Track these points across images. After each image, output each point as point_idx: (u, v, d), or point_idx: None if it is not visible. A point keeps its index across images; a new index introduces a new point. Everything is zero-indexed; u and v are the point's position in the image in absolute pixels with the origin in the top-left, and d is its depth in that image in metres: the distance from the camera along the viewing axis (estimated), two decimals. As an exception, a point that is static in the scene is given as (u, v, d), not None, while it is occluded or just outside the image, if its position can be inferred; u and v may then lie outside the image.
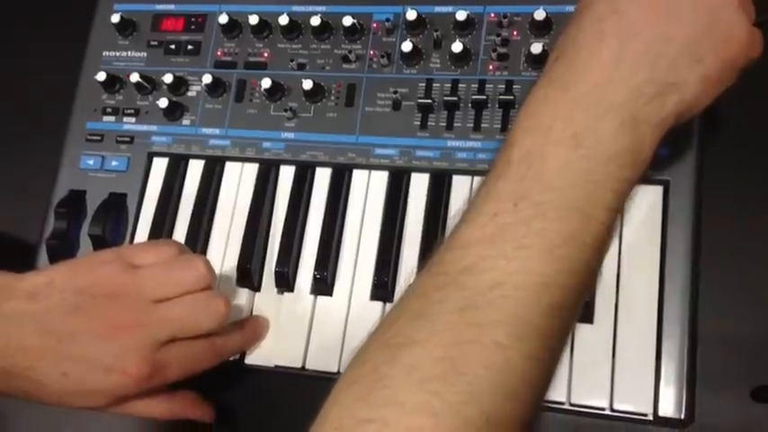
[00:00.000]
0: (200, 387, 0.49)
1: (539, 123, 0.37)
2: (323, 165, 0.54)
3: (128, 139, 0.57)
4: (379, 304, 0.50)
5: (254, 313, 0.52)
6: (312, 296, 0.51)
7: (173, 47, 0.59)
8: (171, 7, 0.60)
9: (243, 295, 0.52)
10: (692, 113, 0.40)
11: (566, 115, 0.37)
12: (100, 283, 0.44)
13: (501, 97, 0.51)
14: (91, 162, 0.57)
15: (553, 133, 0.37)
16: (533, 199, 0.36)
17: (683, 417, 0.44)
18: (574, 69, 0.38)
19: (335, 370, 0.49)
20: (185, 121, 0.57)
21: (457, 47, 0.52)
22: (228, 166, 0.56)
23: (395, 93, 0.54)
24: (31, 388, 0.43)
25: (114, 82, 0.58)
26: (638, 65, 0.37)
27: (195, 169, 0.57)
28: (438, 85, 0.53)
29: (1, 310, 0.43)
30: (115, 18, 0.59)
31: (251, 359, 0.51)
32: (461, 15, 0.53)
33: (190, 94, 0.58)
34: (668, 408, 0.45)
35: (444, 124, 0.52)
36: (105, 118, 0.58)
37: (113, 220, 0.56)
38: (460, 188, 0.51)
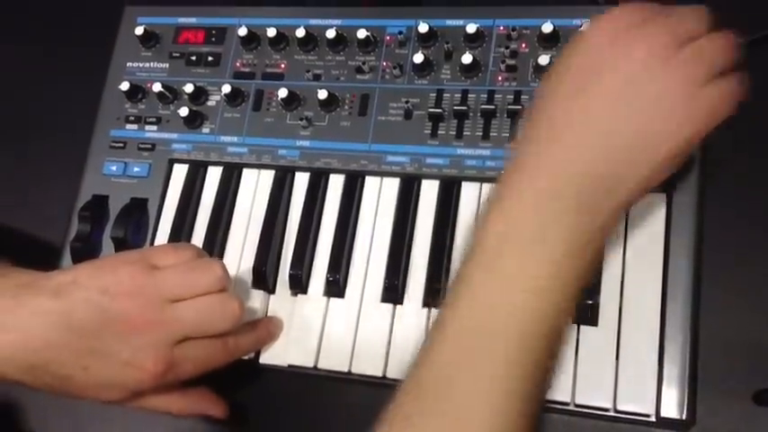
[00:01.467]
0: (214, 385, 0.51)
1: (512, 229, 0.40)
2: (336, 171, 0.56)
3: (149, 146, 0.60)
4: (389, 306, 0.52)
5: (268, 314, 0.54)
6: (325, 298, 0.53)
7: (194, 58, 0.61)
8: (192, 20, 0.62)
9: (258, 297, 0.54)
10: (649, 189, 0.42)
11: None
12: (121, 283, 0.46)
13: (509, 107, 0.53)
14: (114, 168, 0.60)
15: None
16: None
17: (684, 418, 0.45)
18: (540, 159, 0.40)
19: (346, 370, 0.51)
20: (205, 130, 0.59)
21: (467, 58, 0.54)
22: (246, 172, 0.58)
23: (406, 102, 0.55)
24: (54, 382, 0.45)
25: (137, 91, 0.61)
26: (596, 158, 0.39)
27: (214, 175, 0.59)
28: (448, 95, 0.55)
29: (27, 306, 0.45)
30: (139, 30, 0.62)
31: (265, 358, 0.53)
32: (471, 28, 0.55)
33: (209, 103, 0.60)
34: (670, 409, 0.46)
35: (454, 133, 0.54)
36: (128, 126, 0.61)
37: (134, 223, 0.58)
38: (469, 194, 0.53)
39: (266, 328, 0.53)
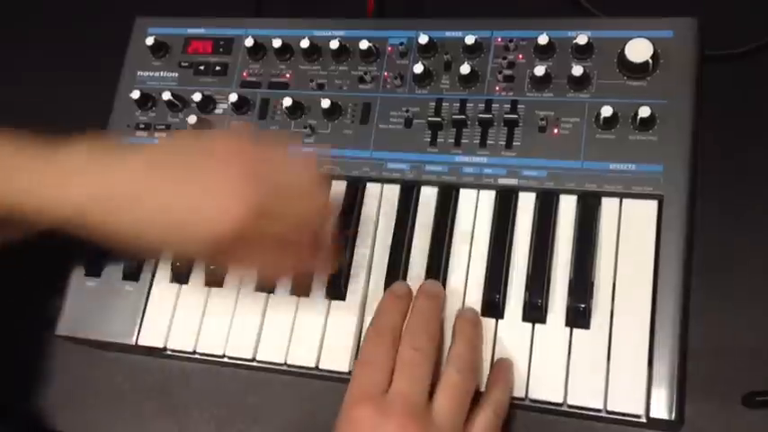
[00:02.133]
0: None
1: None
2: (339, 177, 0.58)
3: (159, 152, 0.62)
4: (388, 309, 0.53)
5: (267, 317, 0.55)
6: (327, 300, 0.55)
7: (202, 68, 0.63)
8: (201, 31, 0.64)
9: (260, 298, 0.56)
10: None
11: None
12: (221, 146, 0.47)
13: (506, 116, 0.54)
14: (124, 174, 0.62)
15: None
16: None
17: (673, 418, 0.47)
18: None
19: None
20: (212, 137, 0.61)
21: (465, 69, 0.55)
22: (251, 178, 0.60)
23: (407, 111, 0.57)
24: (133, 229, 0.46)
25: (147, 100, 0.63)
26: None
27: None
28: (447, 104, 0.56)
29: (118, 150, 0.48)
30: (149, 41, 0.64)
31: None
32: (470, 40, 0.56)
33: (217, 111, 0.62)
34: (660, 410, 0.47)
35: (453, 141, 0.56)
36: (138, 133, 0.63)
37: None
38: (467, 201, 0.55)
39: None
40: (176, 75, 0.64)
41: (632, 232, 0.51)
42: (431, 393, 0.46)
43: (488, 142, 0.55)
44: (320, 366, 0.53)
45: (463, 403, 0.46)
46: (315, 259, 0.52)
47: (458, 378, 0.46)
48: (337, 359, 0.53)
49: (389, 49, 0.59)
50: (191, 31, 0.65)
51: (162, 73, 0.64)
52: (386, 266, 0.54)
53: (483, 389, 0.49)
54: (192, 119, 0.60)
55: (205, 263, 0.51)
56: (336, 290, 0.54)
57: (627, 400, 0.48)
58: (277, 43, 0.61)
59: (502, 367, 0.49)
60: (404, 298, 0.50)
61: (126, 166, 0.47)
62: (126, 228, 0.46)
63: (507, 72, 0.56)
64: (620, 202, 0.52)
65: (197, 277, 0.58)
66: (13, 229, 0.50)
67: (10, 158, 0.47)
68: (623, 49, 0.53)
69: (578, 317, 0.49)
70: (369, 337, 0.49)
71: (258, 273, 0.53)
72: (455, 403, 0.46)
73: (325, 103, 0.57)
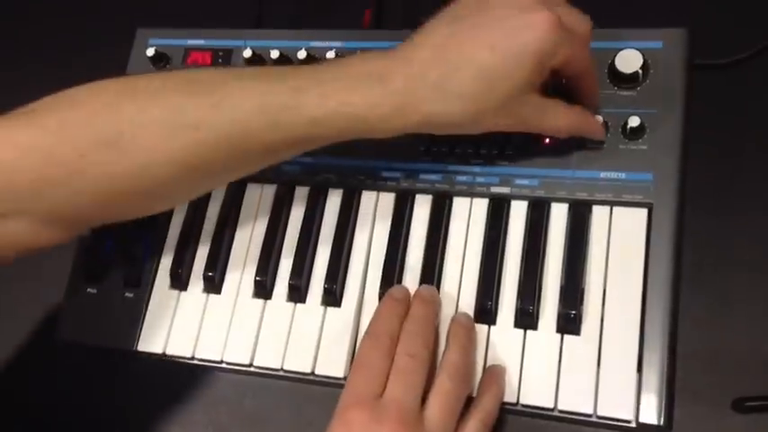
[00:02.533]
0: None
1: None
2: (335, 186, 0.59)
3: (159, 161, 0.63)
4: (383, 315, 0.54)
5: (264, 322, 0.56)
6: (323, 307, 0.56)
7: (201, 78, 0.64)
8: (200, 42, 0.66)
9: (257, 305, 0.57)
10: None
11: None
12: None
13: (499, 126, 0.55)
14: (125, 182, 0.63)
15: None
16: None
17: (662, 424, 0.47)
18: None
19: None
20: (211, 146, 0.62)
21: (459, 79, 0.56)
22: (249, 186, 0.61)
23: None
24: (439, 99, 0.47)
25: (148, 109, 0.64)
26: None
27: (220, 189, 0.61)
28: (441, 114, 0.57)
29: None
30: (150, 51, 0.65)
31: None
32: (463, 50, 0.57)
33: (216, 120, 0.63)
34: (649, 415, 0.48)
35: (446, 150, 0.56)
36: (139, 142, 0.64)
37: (145, 234, 0.61)
38: (460, 209, 0.56)
39: None
40: (176, 85, 0.65)
41: (622, 240, 0.52)
42: (424, 399, 0.47)
43: (481, 151, 0.56)
44: (316, 372, 0.54)
45: (454, 410, 0.47)
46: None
47: (450, 385, 0.47)
48: (333, 365, 0.54)
49: (385, 59, 0.60)
50: (190, 41, 0.66)
51: (162, 83, 0.65)
52: (381, 274, 0.55)
53: (475, 393, 0.50)
54: (192, 128, 0.61)
55: (507, 119, 0.49)
56: (332, 297, 0.55)
57: (616, 405, 0.48)
58: (275, 54, 0.62)
59: (493, 374, 0.50)
60: (402, 302, 0.51)
61: (427, 46, 0.48)
62: (434, 108, 0.47)
63: (500, 82, 0.57)
64: (611, 210, 0.53)
65: (196, 284, 0.59)
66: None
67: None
68: (613, 60, 0.54)
69: (569, 323, 0.50)
70: (365, 342, 0.50)
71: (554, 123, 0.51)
72: (446, 410, 0.46)
73: (322, 113, 0.58)
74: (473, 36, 0.47)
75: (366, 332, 0.50)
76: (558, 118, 0.51)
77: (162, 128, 0.47)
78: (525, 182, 0.54)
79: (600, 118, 0.53)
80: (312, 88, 0.47)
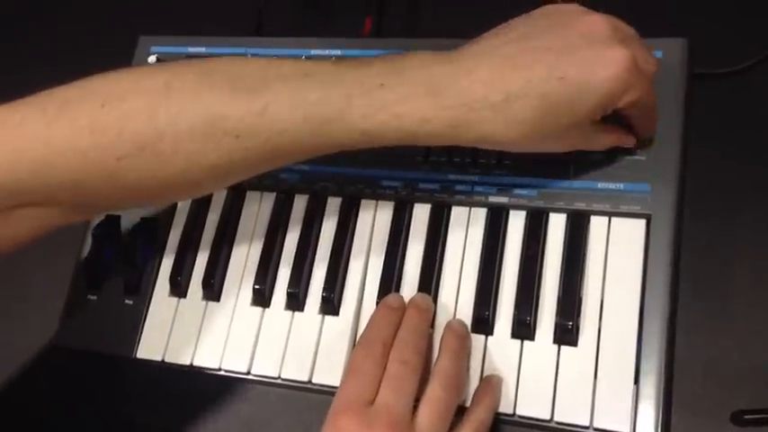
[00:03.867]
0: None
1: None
2: (334, 194, 0.59)
3: (159, 168, 0.63)
4: (380, 324, 0.54)
5: (263, 329, 0.56)
6: (321, 315, 0.56)
7: (202, 85, 0.64)
8: (202, 49, 0.66)
9: (256, 313, 0.57)
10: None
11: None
12: (562, 16, 0.47)
13: (497, 135, 0.55)
14: (125, 189, 0.63)
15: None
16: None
17: (658, 436, 0.47)
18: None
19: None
20: (211, 154, 0.62)
21: (458, 88, 0.56)
22: (249, 194, 0.61)
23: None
24: (500, 121, 0.45)
25: (149, 117, 0.64)
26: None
27: (219, 197, 0.62)
28: (440, 123, 0.57)
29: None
30: (152, 59, 0.65)
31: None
32: (463, 59, 0.57)
33: (216, 128, 0.63)
34: (646, 427, 0.47)
35: (445, 159, 0.56)
36: (140, 149, 0.64)
37: (144, 242, 0.61)
38: (458, 218, 0.56)
39: None
40: (177, 92, 0.65)
41: (620, 251, 0.52)
42: (416, 406, 0.47)
43: (480, 161, 0.56)
44: (313, 380, 0.54)
45: (445, 418, 0.47)
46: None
47: (441, 393, 0.47)
48: (330, 373, 0.54)
49: (384, 68, 0.60)
50: (192, 49, 0.66)
51: (163, 91, 0.65)
52: (378, 283, 0.55)
53: (468, 402, 0.50)
54: (192, 136, 0.61)
55: (583, 131, 0.48)
56: (330, 305, 0.55)
57: (613, 417, 0.48)
58: (275, 62, 0.62)
59: (489, 384, 0.50)
60: (397, 310, 0.51)
61: (492, 61, 0.45)
62: (491, 128, 0.45)
63: (499, 91, 0.57)
64: (609, 220, 0.52)
65: (195, 291, 0.59)
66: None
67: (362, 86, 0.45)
68: (612, 70, 0.53)
69: (566, 334, 0.50)
70: (359, 348, 0.50)
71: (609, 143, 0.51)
72: (437, 419, 0.46)
73: (321, 122, 0.59)
74: (543, 61, 0.44)
75: (360, 339, 0.50)
76: (601, 142, 0.50)
77: (202, 135, 0.45)
78: (523, 192, 0.54)
79: None
80: (361, 97, 0.45)
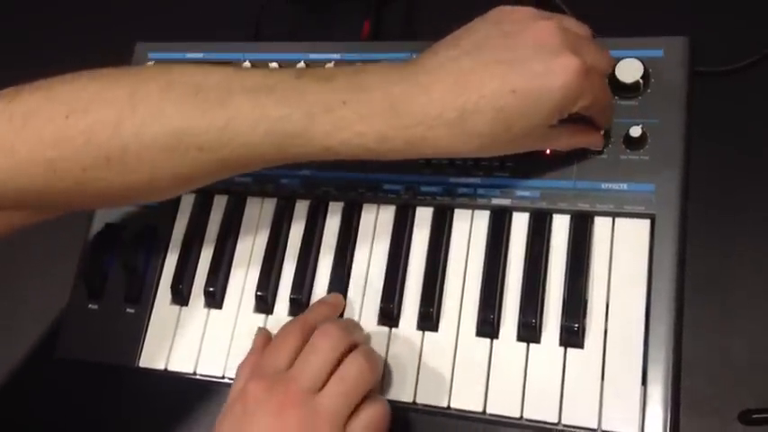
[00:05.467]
0: None
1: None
2: (335, 199, 0.58)
3: (159, 176, 0.63)
4: (385, 329, 0.54)
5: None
6: (324, 321, 0.55)
7: (200, 92, 0.64)
8: (199, 55, 0.66)
9: (260, 320, 0.57)
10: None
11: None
12: (513, 16, 0.48)
13: (499, 137, 0.55)
14: (125, 197, 0.63)
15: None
16: None
17: (667, 438, 0.47)
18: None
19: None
20: (211, 160, 0.62)
21: (458, 91, 0.56)
22: (249, 200, 0.61)
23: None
24: (457, 135, 0.45)
25: (147, 124, 0.64)
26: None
27: (220, 203, 0.61)
28: (441, 125, 0.57)
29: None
30: (149, 65, 0.65)
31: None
32: (463, 61, 0.57)
33: (215, 134, 0.63)
34: (654, 428, 0.47)
35: (447, 162, 0.56)
36: (139, 157, 0.64)
37: (145, 250, 0.60)
38: (461, 221, 0.55)
39: None
40: (175, 99, 0.64)
41: (625, 251, 0.51)
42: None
43: (482, 163, 0.55)
44: (318, 387, 0.54)
45: (352, 395, 0.47)
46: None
47: (354, 371, 0.47)
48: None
49: (384, 71, 0.60)
50: (189, 55, 0.66)
51: (161, 97, 0.65)
52: (382, 287, 0.55)
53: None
54: (191, 143, 0.61)
55: (540, 134, 0.48)
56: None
57: (621, 419, 0.48)
58: (273, 66, 0.61)
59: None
60: (333, 306, 0.54)
61: (446, 77, 0.45)
62: (448, 141, 0.46)
63: (500, 93, 0.56)
64: (613, 221, 0.52)
65: (197, 299, 0.59)
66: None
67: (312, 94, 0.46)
68: (613, 70, 0.53)
69: (572, 336, 0.50)
70: (286, 325, 0.51)
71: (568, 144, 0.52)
72: (342, 393, 0.46)
73: (321, 126, 0.58)
74: (495, 75, 0.45)
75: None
76: (562, 141, 0.51)
77: (166, 147, 0.46)
78: (526, 193, 0.54)
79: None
80: (323, 115, 0.45)
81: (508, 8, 0.49)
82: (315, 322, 0.50)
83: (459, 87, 0.45)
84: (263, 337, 0.53)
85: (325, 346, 0.48)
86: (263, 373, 0.47)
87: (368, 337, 0.54)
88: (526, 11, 0.48)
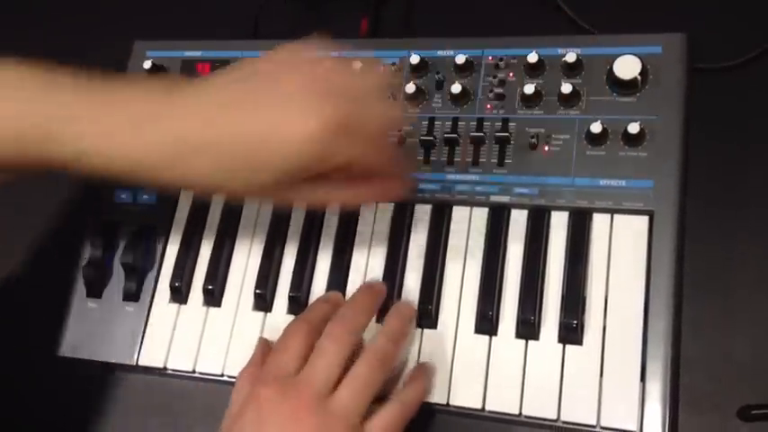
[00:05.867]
0: None
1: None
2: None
3: (157, 174, 0.63)
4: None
5: (264, 334, 0.56)
6: (323, 319, 0.55)
7: (199, 90, 0.64)
8: (198, 54, 0.65)
9: (259, 318, 0.57)
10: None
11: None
12: (284, 63, 0.46)
13: (497, 134, 0.55)
14: (124, 196, 0.62)
15: None
16: None
17: (666, 434, 0.47)
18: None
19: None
20: (209, 158, 0.62)
21: (456, 88, 0.56)
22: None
23: (399, 130, 0.58)
24: (203, 166, 0.45)
25: (146, 123, 0.64)
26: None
27: (218, 201, 0.61)
28: (439, 123, 0.57)
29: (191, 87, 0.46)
30: (147, 64, 0.65)
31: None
32: (461, 59, 0.57)
33: (213, 133, 0.63)
34: (653, 425, 0.47)
35: (445, 159, 0.56)
36: (137, 155, 0.64)
37: (144, 249, 0.60)
38: (460, 218, 0.55)
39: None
40: (174, 97, 0.64)
41: (623, 248, 0.51)
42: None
43: (480, 160, 0.55)
44: (316, 385, 0.54)
45: (364, 395, 0.47)
46: (392, 180, 0.51)
47: (364, 371, 0.47)
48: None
49: (382, 68, 0.60)
50: (188, 53, 0.66)
51: (160, 96, 0.65)
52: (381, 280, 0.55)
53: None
54: (190, 141, 0.61)
55: (276, 197, 0.48)
56: (332, 308, 0.55)
57: (620, 415, 0.48)
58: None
59: (421, 369, 0.50)
60: (332, 303, 0.52)
61: (197, 109, 0.45)
62: (196, 171, 0.45)
63: (498, 90, 0.56)
64: (611, 218, 0.52)
65: (196, 297, 0.59)
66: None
67: (57, 103, 0.45)
68: (612, 66, 0.53)
69: (570, 333, 0.50)
70: (289, 326, 0.50)
71: (336, 200, 0.51)
72: (356, 395, 0.46)
73: (320, 124, 0.58)
74: (246, 118, 0.44)
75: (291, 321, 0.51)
76: (332, 197, 0.50)
77: None
78: (525, 190, 0.54)
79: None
80: (66, 121, 0.45)
81: (297, 46, 0.47)
82: (317, 321, 0.50)
83: (210, 124, 0.44)
84: (263, 347, 0.52)
85: (334, 348, 0.47)
86: (272, 378, 0.47)
87: (370, 310, 0.51)
88: (302, 57, 0.46)
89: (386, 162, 0.49)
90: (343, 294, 0.55)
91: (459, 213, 0.55)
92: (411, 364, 0.52)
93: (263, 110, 0.44)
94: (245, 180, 0.45)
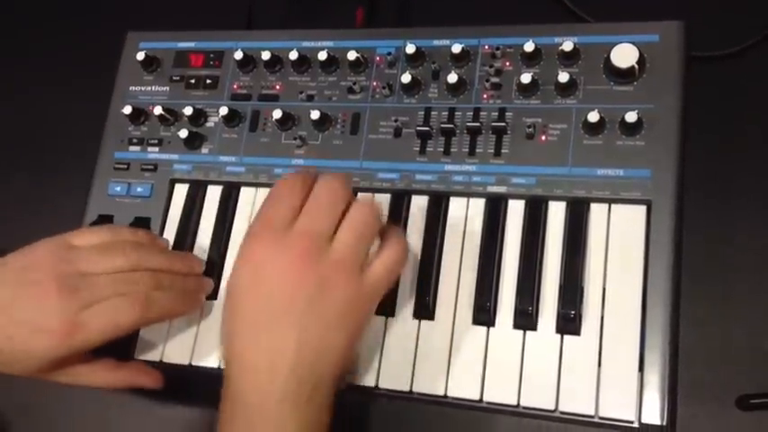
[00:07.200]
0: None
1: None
2: (330, 188, 0.58)
3: (152, 167, 0.62)
4: (381, 318, 0.54)
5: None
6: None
7: (193, 81, 0.64)
8: (191, 45, 0.65)
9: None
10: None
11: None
12: (38, 259, 0.49)
13: (494, 124, 0.55)
14: (118, 188, 0.62)
15: None
16: None
17: (664, 423, 0.47)
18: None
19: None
20: (204, 150, 0.61)
21: (453, 78, 0.56)
22: (243, 190, 0.60)
23: (396, 121, 0.57)
24: None
25: (139, 114, 0.63)
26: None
27: (213, 194, 0.61)
28: (436, 113, 0.57)
29: None
30: (140, 55, 0.64)
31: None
32: (457, 48, 0.56)
33: (208, 124, 0.62)
34: (652, 415, 0.47)
35: (442, 150, 0.56)
36: (131, 148, 0.63)
37: (138, 241, 0.60)
38: (457, 208, 0.55)
39: (190, 296, 0.54)
40: (167, 89, 0.64)
41: (621, 237, 0.51)
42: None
43: (477, 150, 0.55)
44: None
45: (364, 235, 0.46)
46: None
47: (361, 215, 0.47)
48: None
49: (378, 59, 0.60)
50: (181, 44, 0.65)
51: (153, 87, 0.64)
52: (377, 276, 0.54)
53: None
54: (184, 132, 0.61)
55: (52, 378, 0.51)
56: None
57: (618, 406, 0.48)
58: (266, 55, 0.61)
59: (393, 229, 0.50)
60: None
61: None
62: None
63: (495, 80, 0.56)
64: (609, 207, 0.52)
65: (192, 290, 0.58)
66: None
67: None
68: (609, 55, 0.53)
69: (568, 323, 0.50)
70: (279, 180, 0.49)
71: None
72: (356, 235, 0.46)
73: (315, 115, 0.58)
74: (13, 309, 0.48)
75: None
76: (98, 381, 0.52)
77: None
78: (522, 180, 0.54)
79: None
80: None
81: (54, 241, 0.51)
82: (306, 176, 0.49)
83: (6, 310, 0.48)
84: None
85: (330, 198, 0.47)
86: (269, 228, 0.46)
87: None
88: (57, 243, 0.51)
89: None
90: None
91: (456, 204, 0.55)
92: (409, 357, 0.52)
93: (19, 307, 0.48)
94: (7, 367, 0.49)
